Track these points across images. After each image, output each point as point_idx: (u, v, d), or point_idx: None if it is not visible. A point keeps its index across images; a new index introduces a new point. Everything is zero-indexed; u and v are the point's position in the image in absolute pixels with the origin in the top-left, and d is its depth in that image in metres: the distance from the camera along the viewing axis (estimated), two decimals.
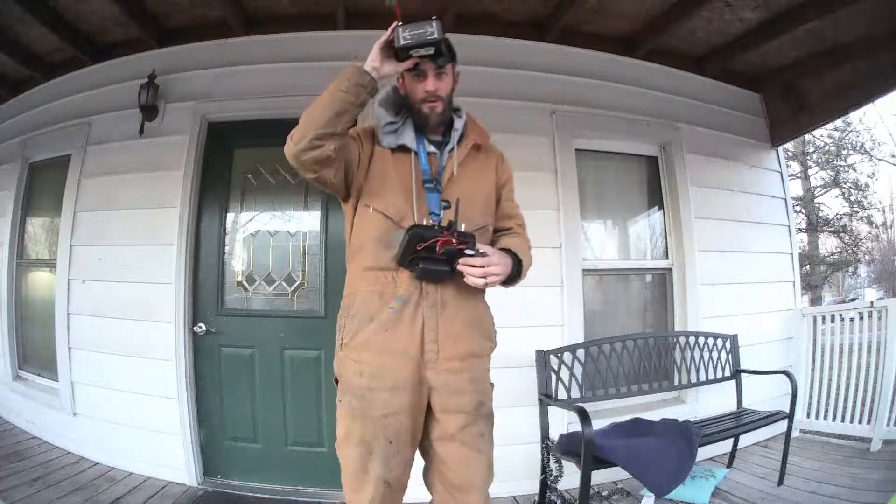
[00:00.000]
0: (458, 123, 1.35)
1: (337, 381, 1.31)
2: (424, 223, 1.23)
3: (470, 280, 1.19)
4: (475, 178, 1.35)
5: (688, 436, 2.14)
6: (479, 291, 1.32)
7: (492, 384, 1.36)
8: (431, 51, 1.19)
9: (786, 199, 3.41)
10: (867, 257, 13.41)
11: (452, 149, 1.33)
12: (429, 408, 1.28)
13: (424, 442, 1.30)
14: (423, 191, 1.27)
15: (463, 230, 1.20)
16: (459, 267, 1.18)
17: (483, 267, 1.18)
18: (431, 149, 1.33)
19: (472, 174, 1.34)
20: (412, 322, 1.23)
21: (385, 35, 1.17)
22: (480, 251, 1.19)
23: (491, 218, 1.38)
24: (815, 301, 11.79)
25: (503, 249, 1.28)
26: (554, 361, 2.41)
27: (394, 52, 1.19)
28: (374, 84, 1.18)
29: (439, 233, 1.16)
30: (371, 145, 1.31)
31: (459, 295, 1.26)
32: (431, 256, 1.17)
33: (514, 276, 1.27)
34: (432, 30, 1.15)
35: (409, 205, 1.25)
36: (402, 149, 1.31)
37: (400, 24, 1.16)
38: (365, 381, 1.23)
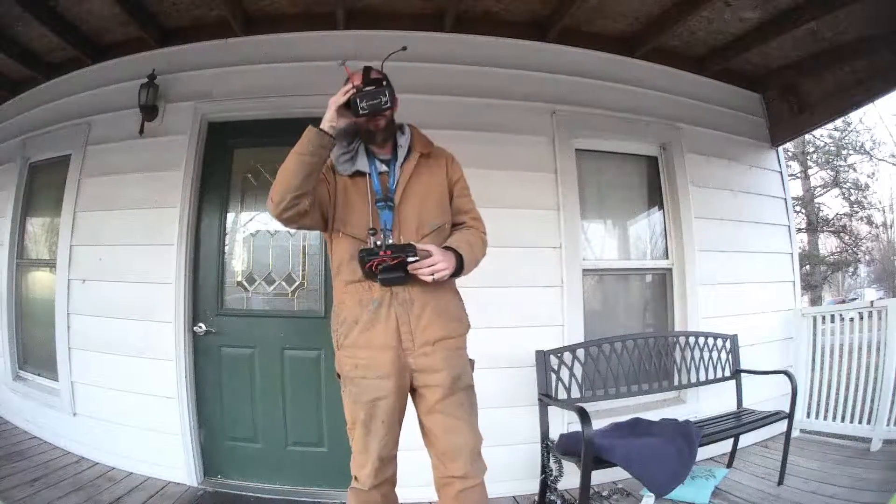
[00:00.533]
0: (402, 140, 1.53)
1: (339, 375, 1.52)
2: (370, 245, 1.41)
3: (422, 278, 1.39)
4: (428, 184, 1.52)
5: (688, 436, 2.14)
6: (444, 285, 1.49)
7: (471, 360, 1.55)
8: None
9: (786, 199, 3.41)
10: (867, 257, 13.41)
11: (401, 164, 1.50)
12: (415, 390, 1.48)
13: (418, 420, 1.51)
14: (377, 212, 1.46)
15: (401, 243, 1.41)
16: (410, 269, 1.37)
17: (430, 266, 1.38)
18: (383, 168, 1.51)
19: (424, 181, 1.52)
20: (387, 319, 1.43)
21: (341, 98, 1.37)
22: (425, 252, 1.38)
23: (447, 216, 1.55)
24: (815, 301, 11.79)
25: (446, 247, 1.45)
26: (554, 361, 2.41)
27: (347, 107, 1.39)
28: (333, 141, 1.39)
29: (376, 254, 1.37)
30: (335, 178, 1.50)
31: (424, 291, 1.45)
32: (387, 267, 1.37)
33: (458, 269, 1.44)
34: (386, 99, 1.37)
35: (368, 225, 1.44)
36: (358, 173, 1.49)
37: (355, 91, 1.36)
38: (360, 372, 1.45)
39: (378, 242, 1.41)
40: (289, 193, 1.35)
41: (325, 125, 1.37)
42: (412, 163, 1.51)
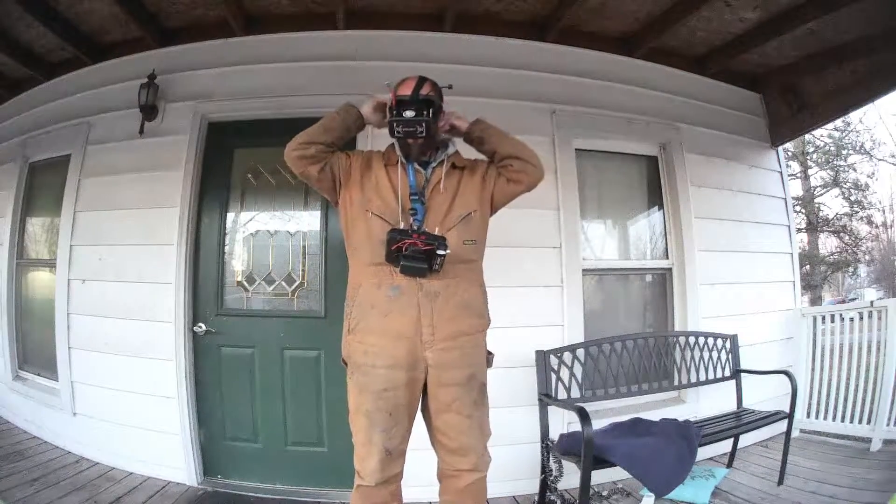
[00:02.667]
0: (450, 149, 1.59)
1: (345, 362, 1.51)
2: (403, 227, 1.44)
3: (447, 120, 1.54)
4: (455, 188, 1.54)
5: (688, 436, 2.14)
6: (471, 279, 1.53)
7: (490, 353, 1.56)
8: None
9: (786, 199, 3.41)
10: (867, 257, 13.41)
11: (435, 165, 1.55)
12: (426, 388, 1.46)
13: (427, 417, 1.50)
14: (408, 200, 1.49)
15: (436, 233, 1.42)
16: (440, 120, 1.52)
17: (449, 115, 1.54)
18: (418, 168, 1.55)
19: (453, 185, 1.55)
20: (409, 308, 1.42)
21: (384, 100, 1.52)
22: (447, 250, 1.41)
23: (474, 206, 1.54)
24: (815, 301, 11.78)
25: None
26: (554, 361, 2.41)
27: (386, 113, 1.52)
28: (361, 120, 1.54)
29: (409, 236, 1.39)
30: (364, 161, 1.56)
31: (451, 284, 1.46)
32: (412, 255, 1.38)
33: (475, 126, 1.57)
34: (422, 129, 1.44)
35: (400, 211, 1.47)
36: (398, 163, 1.54)
37: (395, 115, 1.45)
38: (370, 360, 1.43)
39: (415, 227, 1.43)
40: (303, 137, 1.47)
41: (362, 108, 1.54)
42: (444, 169, 1.55)
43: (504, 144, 1.55)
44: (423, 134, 1.44)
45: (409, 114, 1.44)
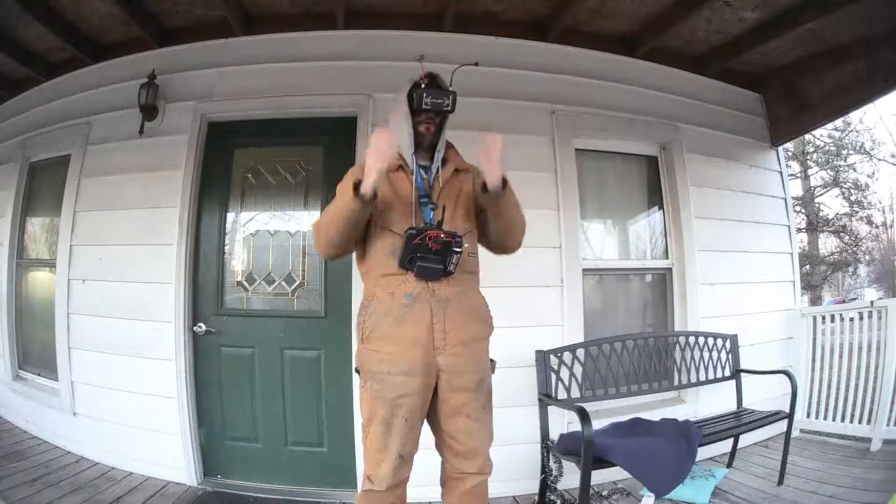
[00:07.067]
0: (440, 151, 1.58)
1: (357, 371, 1.52)
2: (418, 225, 1.45)
3: (489, 154, 1.41)
4: (457, 194, 1.57)
5: (688, 436, 2.14)
6: (476, 287, 1.57)
7: (493, 361, 1.57)
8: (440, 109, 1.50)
9: (786, 199, 3.41)
10: (867, 257, 13.42)
11: (438, 168, 1.56)
12: (435, 391, 1.47)
13: (435, 421, 1.51)
14: (419, 205, 1.50)
15: (449, 230, 1.44)
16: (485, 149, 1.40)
17: (496, 150, 1.41)
18: (422, 173, 1.57)
19: (454, 191, 1.57)
20: (422, 315, 1.44)
21: (382, 160, 1.35)
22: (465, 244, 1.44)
23: (473, 224, 1.57)
24: (815, 301, 11.80)
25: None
26: (554, 361, 2.41)
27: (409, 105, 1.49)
28: (375, 200, 1.38)
29: (429, 228, 1.40)
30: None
31: (460, 292, 1.49)
32: (427, 256, 1.40)
33: (500, 194, 1.45)
34: (448, 102, 1.48)
35: (409, 219, 1.48)
36: (400, 169, 1.53)
37: (423, 87, 1.47)
38: (385, 367, 1.44)
39: (434, 221, 1.45)
40: (337, 241, 1.45)
41: (367, 189, 1.34)
42: (448, 172, 1.56)
43: (508, 230, 1.57)
44: (449, 108, 1.47)
45: (435, 88, 1.47)
